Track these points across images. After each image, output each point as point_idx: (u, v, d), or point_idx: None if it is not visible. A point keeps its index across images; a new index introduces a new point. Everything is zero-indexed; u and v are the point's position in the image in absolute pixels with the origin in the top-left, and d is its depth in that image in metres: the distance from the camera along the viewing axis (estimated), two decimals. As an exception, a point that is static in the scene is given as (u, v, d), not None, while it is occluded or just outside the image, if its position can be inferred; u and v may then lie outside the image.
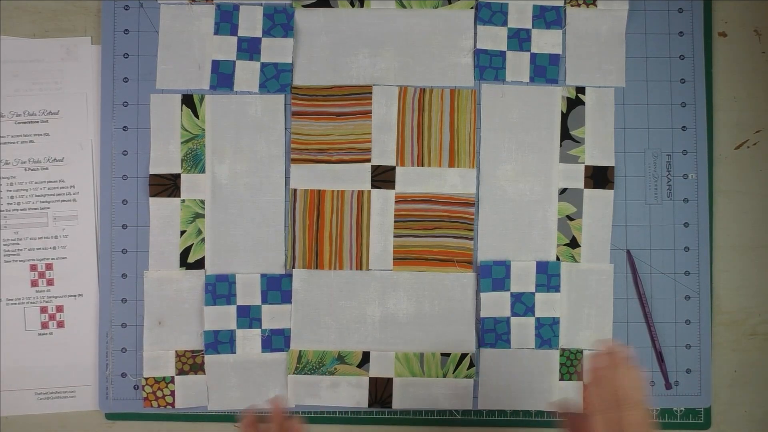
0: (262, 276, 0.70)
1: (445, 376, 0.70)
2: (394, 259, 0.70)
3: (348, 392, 0.70)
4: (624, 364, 0.52)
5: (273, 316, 0.70)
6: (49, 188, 0.71)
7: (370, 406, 0.70)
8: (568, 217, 0.71)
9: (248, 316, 0.70)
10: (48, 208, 0.71)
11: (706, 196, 0.71)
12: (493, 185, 0.71)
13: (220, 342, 0.69)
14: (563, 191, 0.71)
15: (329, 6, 0.71)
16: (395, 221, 0.70)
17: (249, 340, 0.70)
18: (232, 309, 0.70)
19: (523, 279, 0.70)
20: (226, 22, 0.71)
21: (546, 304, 0.70)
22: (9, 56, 0.71)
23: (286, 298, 0.70)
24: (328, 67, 0.71)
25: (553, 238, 0.71)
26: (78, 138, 0.71)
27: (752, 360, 0.72)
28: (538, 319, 0.70)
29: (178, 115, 0.70)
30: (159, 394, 0.69)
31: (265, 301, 0.70)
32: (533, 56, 0.71)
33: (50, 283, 0.70)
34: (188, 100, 0.70)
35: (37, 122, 0.71)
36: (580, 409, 0.54)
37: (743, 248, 0.72)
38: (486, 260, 0.70)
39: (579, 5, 0.71)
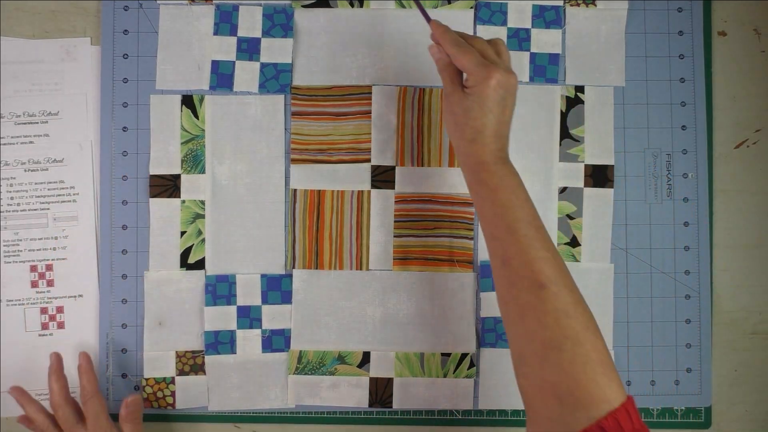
0: (263, 276, 0.70)
1: (445, 376, 0.70)
2: (394, 259, 0.70)
3: (348, 392, 0.70)
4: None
5: (273, 317, 0.70)
6: (48, 189, 0.71)
7: (370, 406, 0.70)
8: (568, 216, 0.71)
9: (248, 317, 0.70)
10: (48, 209, 0.71)
11: (706, 195, 0.71)
12: (493, 185, 0.71)
13: (221, 342, 0.69)
14: (563, 190, 0.71)
15: (329, 6, 0.71)
16: (395, 221, 0.70)
17: (249, 341, 0.70)
18: (232, 309, 0.70)
19: (524, 279, 0.70)
20: (226, 22, 0.71)
21: (546, 304, 0.70)
22: (8, 57, 0.71)
23: (286, 298, 0.70)
24: (327, 67, 0.71)
25: (553, 237, 0.70)
26: (78, 139, 0.71)
27: (752, 359, 0.72)
28: (538, 319, 0.70)
29: (177, 116, 0.70)
30: (159, 394, 0.69)
31: (265, 301, 0.70)
32: (533, 56, 0.71)
33: (50, 284, 0.70)
34: (188, 101, 0.70)
35: (37, 123, 0.71)
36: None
37: (743, 247, 0.72)
38: (486, 260, 0.70)
39: (578, 5, 0.71)
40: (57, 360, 0.66)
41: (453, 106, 0.55)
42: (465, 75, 0.56)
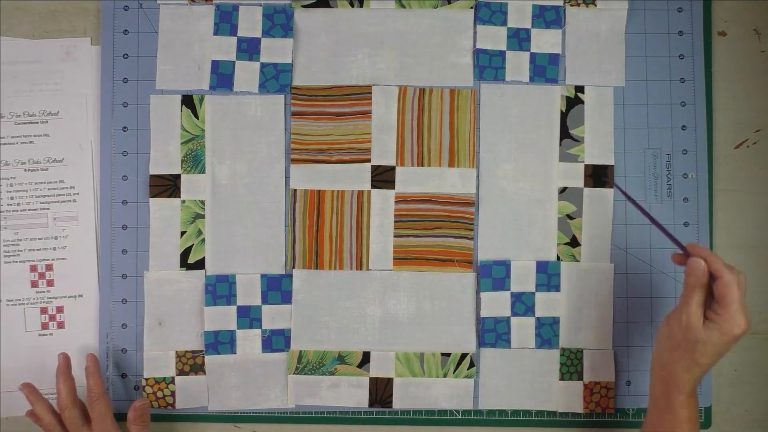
0: (263, 276, 0.70)
1: (445, 376, 0.70)
2: (394, 259, 0.70)
3: (348, 392, 0.70)
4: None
5: (273, 317, 0.70)
6: (49, 189, 0.71)
7: (370, 406, 0.70)
8: (568, 216, 0.71)
9: (248, 317, 0.70)
10: (48, 208, 0.71)
11: (706, 195, 0.71)
12: (493, 185, 0.71)
13: (221, 342, 0.69)
14: (563, 190, 0.71)
15: (329, 6, 0.71)
16: (395, 221, 0.70)
17: (249, 341, 0.70)
18: (232, 309, 0.70)
19: (524, 278, 0.70)
20: (226, 22, 0.71)
21: (546, 304, 0.70)
22: (8, 57, 0.71)
23: (286, 298, 0.70)
24: (327, 67, 0.71)
25: (553, 237, 0.71)
26: (78, 138, 0.71)
27: (752, 360, 0.72)
28: (538, 319, 0.70)
29: (177, 116, 0.70)
30: (159, 394, 0.69)
31: (265, 301, 0.70)
32: (533, 56, 0.71)
33: (50, 283, 0.70)
34: (188, 101, 0.70)
35: (37, 123, 0.71)
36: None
37: (743, 247, 0.72)
38: (486, 260, 0.70)
39: (578, 5, 0.71)
40: (65, 361, 0.67)
41: (685, 328, 0.55)
42: (718, 307, 0.55)
